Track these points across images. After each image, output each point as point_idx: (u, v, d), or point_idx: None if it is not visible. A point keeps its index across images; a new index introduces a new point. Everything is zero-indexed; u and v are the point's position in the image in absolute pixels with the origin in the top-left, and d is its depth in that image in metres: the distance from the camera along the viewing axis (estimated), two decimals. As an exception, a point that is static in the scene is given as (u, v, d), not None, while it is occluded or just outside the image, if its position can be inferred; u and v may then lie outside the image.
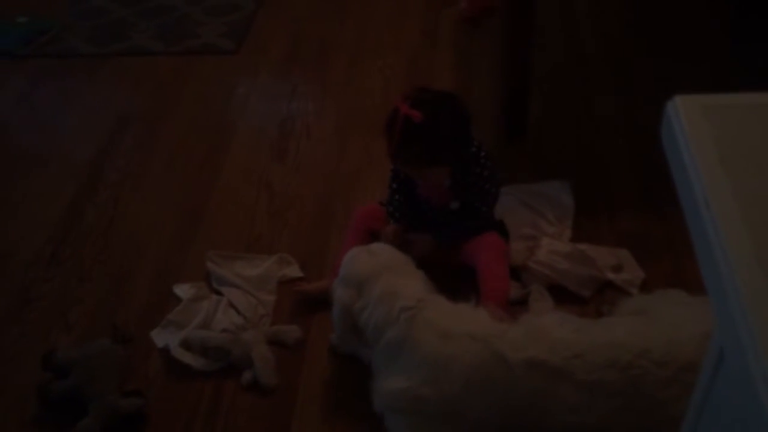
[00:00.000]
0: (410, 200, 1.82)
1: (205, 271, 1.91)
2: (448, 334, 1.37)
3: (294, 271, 1.91)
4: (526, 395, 1.32)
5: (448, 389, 1.35)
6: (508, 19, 2.08)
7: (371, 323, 1.45)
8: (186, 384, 1.68)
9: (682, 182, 0.69)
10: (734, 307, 0.58)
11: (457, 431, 1.40)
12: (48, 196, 2.24)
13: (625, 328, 1.37)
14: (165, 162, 2.33)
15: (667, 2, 2.79)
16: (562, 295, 1.77)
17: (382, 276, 1.48)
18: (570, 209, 1.98)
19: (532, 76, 2.16)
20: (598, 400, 1.30)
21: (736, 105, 0.72)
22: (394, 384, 1.39)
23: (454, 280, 1.71)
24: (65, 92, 2.69)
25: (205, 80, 2.67)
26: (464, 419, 1.38)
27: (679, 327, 1.31)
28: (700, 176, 0.66)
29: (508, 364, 1.32)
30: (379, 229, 1.82)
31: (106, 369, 1.63)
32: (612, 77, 2.48)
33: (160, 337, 1.76)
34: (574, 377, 1.30)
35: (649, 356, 1.28)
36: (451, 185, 1.74)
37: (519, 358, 1.32)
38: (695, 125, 0.70)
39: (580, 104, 2.39)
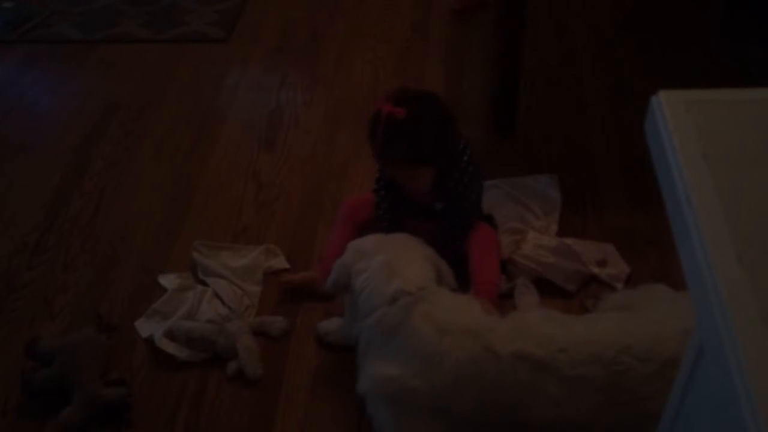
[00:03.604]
0: (397, 202, 1.80)
1: (191, 261, 1.90)
2: (445, 330, 1.37)
3: (280, 262, 1.90)
4: (514, 388, 1.33)
5: (439, 382, 1.35)
6: (499, 12, 2.08)
7: (366, 290, 1.45)
8: (170, 374, 1.68)
9: (664, 177, 0.69)
10: (714, 303, 0.58)
11: (440, 425, 1.40)
12: (34, 184, 2.22)
13: (608, 324, 1.38)
14: (152, 151, 2.32)
15: (659, 0, 2.80)
16: (547, 289, 1.77)
17: (387, 248, 1.49)
18: (557, 203, 1.99)
19: (522, 70, 2.16)
20: (581, 394, 1.31)
21: (720, 101, 0.72)
22: (385, 370, 1.39)
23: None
24: (52, 79, 2.66)
25: (194, 69, 2.66)
26: (450, 413, 1.38)
27: (663, 323, 1.32)
28: (682, 171, 0.66)
29: (497, 357, 1.33)
30: (367, 220, 1.82)
31: (89, 358, 1.63)
32: (602, 73, 2.48)
33: (145, 327, 1.76)
34: (558, 371, 1.30)
35: (632, 352, 1.29)
36: (433, 188, 1.72)
37: (507, 350, 1.33)
38: (679, 120, 0.70)
39: (569, 99, 2.39)
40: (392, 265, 1.46)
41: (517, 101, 2.22)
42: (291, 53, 2.69)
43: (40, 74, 2.69)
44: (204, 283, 1.85)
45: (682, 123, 0.69)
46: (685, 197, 0.64)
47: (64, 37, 2.84)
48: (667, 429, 0.81)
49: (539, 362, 1.31)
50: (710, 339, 0.59)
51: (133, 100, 2.52)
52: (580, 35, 2.65)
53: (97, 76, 2.66)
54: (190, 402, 1.62)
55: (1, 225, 2.09)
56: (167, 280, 1.86)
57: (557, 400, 1.31)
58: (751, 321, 0.56)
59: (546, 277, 1.78)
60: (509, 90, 2.19)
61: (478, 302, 1.47)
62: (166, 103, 2.50)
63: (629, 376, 1.28)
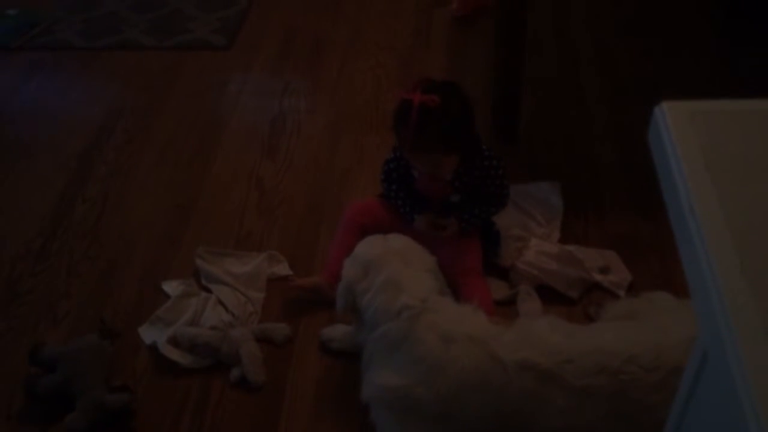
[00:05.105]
0: (409, 197, 1.82)
1: (195, 267, 1.91)
2: (449, 338, 1.37)
3: (283, 269, 1.91)
4: (518, 397, 1.33)
5: (443, 390, 1.35)
6: (500, 19, 2.09)
7: (371, 308, 1.45)
8: (174, 380, 1.68)
9: (668, 187, 0.69)
10: (717, 311, 0.58)
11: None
12: (38, 190, 2.23)
13: (614, 334, 1.38)
14: (155, 157, 2.32)
15: (660, 7, 2.81)
16: (549, 296, 1.78)
17: (390, 262, 1.48)
18: (559, 210, 1.99)
19: (524, 77, 2.17)
20: (587, 404, 1.31)
21: (723, 111, 0.73)
22: (388, 380, 1.39)
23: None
24: (56, 85, 2.67)
25: (197, 76, 2.67)
26: (454, 421, 1.38)
27: (667, 332, 1.32)
28: (685, 182, 0.66)
29: (503, 366, 1.33)
30: (371, 224, 1.82)
31: (93, 364, 1.63)
32: (604, 81, 2.49)
33: (148, 334, 1.76)
34: (564, 381, 1.31)
35: (637, 362, 1.29)
36: (451, 179, 1.74)
37: (513, 359, 1.33)
38: (682, 131, 0.70)
39: (571, 106, 2.40)
40: (396, 281, 1.45)
41: (519, 108, 2.23)
42: (293, 60, 2.71)
43: (44, 81, 2.70)
44: (207, 290, 1.86)
45: (685, 133, 0.70)
46: (688, 206, 0.65)
47: (68, 44, 2.85)
48: (671, 436, 0.81)
49: (545, 372, 1.31)
50: (713, 346, 0.60)
51: (137, 107, 2.53)
52: (581, 41, 2.66)
53: (100, 82, 2.67)
54: (193, 408, 1.63)
55: (5, 230, 2.10)
56: (170, 287, 1.87)
57: (563, 409, 1.31)
58: (753, 328, 0.56)
59: (548, 284, 1.78)
60: (511, 96, 2.20)
61: (483, 312, 1.47)
62: (169, 109, 2.51)
63: (635, 385, 1.28)
